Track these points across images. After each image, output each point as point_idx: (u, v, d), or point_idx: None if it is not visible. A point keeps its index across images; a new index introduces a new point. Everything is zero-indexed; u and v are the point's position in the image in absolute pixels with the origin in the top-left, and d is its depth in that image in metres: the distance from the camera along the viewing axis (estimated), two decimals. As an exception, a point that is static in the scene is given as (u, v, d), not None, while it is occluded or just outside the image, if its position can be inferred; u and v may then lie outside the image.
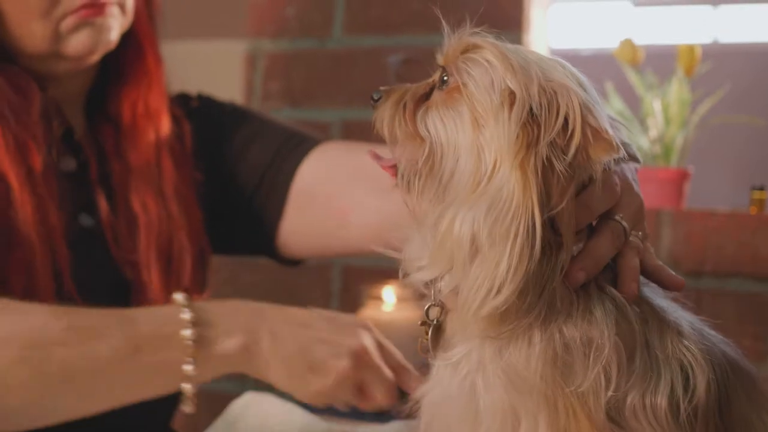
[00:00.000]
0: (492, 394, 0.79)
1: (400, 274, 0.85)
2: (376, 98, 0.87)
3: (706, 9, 4.65)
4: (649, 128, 1.66)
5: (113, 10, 1.18)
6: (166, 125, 1.27)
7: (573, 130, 0.75)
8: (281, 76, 1.88)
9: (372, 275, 1.72)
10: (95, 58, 1.20)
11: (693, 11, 4.75)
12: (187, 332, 1.00)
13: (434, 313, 0.84)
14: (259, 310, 1.05)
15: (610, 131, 0.76)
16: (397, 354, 1.06)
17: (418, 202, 0.82)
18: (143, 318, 1.02)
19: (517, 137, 0.75)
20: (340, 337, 1.03)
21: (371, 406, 1.06)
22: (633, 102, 1.72)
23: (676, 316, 0.81)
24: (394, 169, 0.85)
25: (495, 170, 0.76)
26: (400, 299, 1.55)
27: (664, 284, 0.85)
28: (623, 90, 1.73)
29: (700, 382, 0.78)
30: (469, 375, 0.80)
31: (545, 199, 0.75)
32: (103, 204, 1.20)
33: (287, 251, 1.35)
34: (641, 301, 0.80)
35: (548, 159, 0.75)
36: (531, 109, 0.76)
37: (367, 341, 1.04)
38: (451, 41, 0.83)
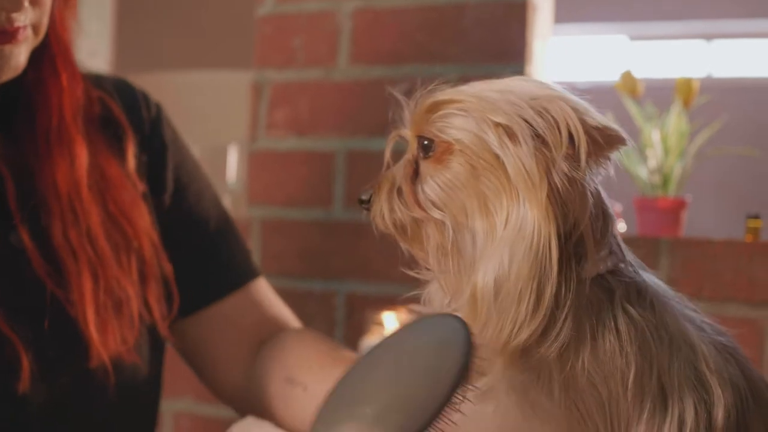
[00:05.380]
0: (518, 429, 0.78)
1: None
2: (365, 198, 0.84)
3: (701, 43, 4.71)
4: (648, 158, 1.69)
5: (26, 33, 1.03)
6: (82, 150, 1.12)
7: (579, 138, 0.75)
8: (287, 105, 1.91)
9: (377, 302, 1.74)
10: None
11: (688, 45, 4.82)
12: None
13: None
14: None
15: (611, 124, 0.76)
16: None
17: (450, 279, 0.80)
18: None
19: (535, 166, 0.74)
20: None
21: None
22: (631, 133, 1.74)
23: (696, 340, 0.79)
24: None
25: (509, 212, 0.75)
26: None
27: None
28: (621, 121, 1.76)
29: (718, 411, 0.77)
30: (498, 407, 0.79)
31: (567, 220, 0.74)
32: (24, 234, 1.08)
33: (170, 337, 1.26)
34: (663, 322, 0.79)
35: (566, 175, 0.74)
36: (536, 133, 0.75)
37: None
38: (410, 110, 0.81)
